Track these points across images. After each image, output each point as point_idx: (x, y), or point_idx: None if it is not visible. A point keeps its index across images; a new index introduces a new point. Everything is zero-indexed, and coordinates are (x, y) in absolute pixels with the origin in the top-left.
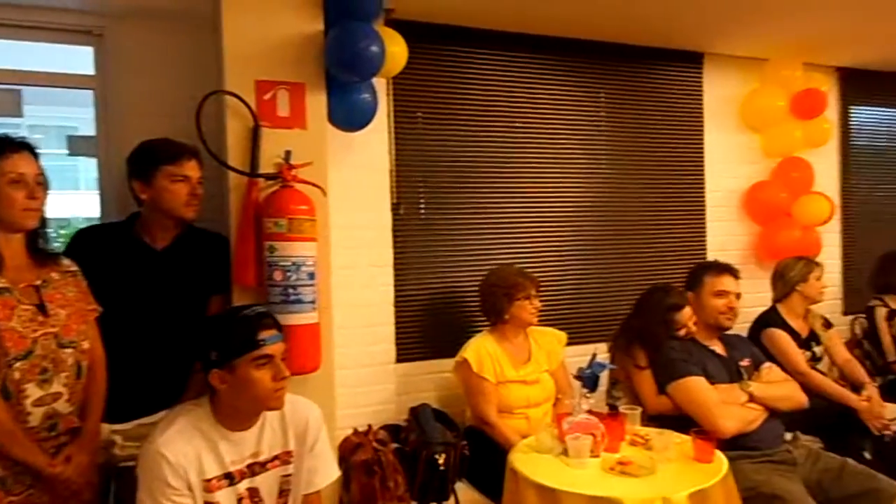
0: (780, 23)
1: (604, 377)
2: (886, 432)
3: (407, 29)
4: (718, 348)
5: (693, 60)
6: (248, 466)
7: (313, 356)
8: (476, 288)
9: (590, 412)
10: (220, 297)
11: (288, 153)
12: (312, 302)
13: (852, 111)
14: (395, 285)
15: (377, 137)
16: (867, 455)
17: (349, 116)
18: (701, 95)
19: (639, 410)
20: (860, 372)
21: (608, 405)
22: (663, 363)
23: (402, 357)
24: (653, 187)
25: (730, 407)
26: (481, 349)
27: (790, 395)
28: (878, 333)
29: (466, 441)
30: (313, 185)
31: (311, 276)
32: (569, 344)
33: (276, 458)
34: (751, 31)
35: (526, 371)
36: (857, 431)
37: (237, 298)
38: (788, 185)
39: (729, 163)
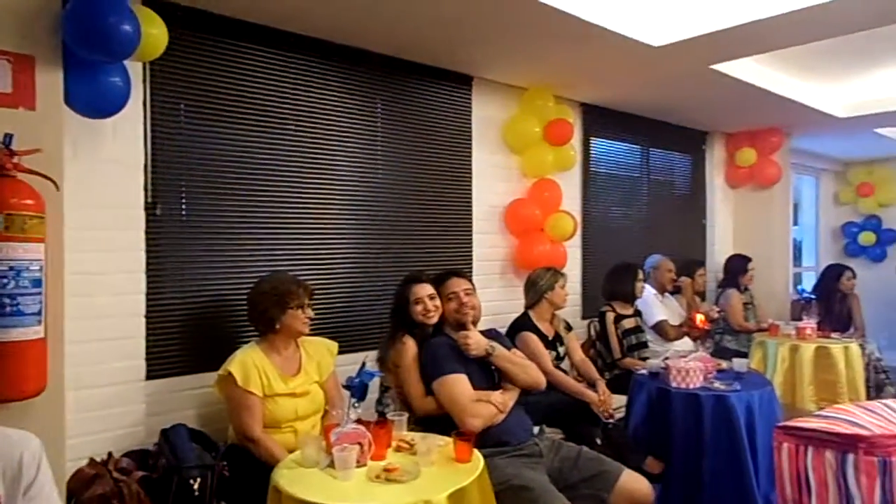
0: (534, 58)
1: (374, 385)
2: (610, 420)
3: (170, 12)
4: None
5: (463, 82)
6: None
7: (37, 377)
8: (244, 296)
9: (358, 421)
10: None
11: (8, 136)
12: (37, 314)
13: (592, 141)
14: (148, 294)
15: (130, 128)
16: (598, 441)
17: (93, 101)
18: (470, 116)
19: (405, 416)
20: (592, 370)
21: (377, 412)
22: (429, 361)
23: (154, 373)
24: (424, 199)
25: (478, 405)
26: (247, 361)
27: (529, 368)
28: (608, 335)
29: (227, 461)
30: (43, 176)
31: (38, 283)
32: (341, 353)
33: None
34: (510, 61)
35: (296, 383)
36: (590, 421)
37: None
38: (541, 204)
39: (493, 180)
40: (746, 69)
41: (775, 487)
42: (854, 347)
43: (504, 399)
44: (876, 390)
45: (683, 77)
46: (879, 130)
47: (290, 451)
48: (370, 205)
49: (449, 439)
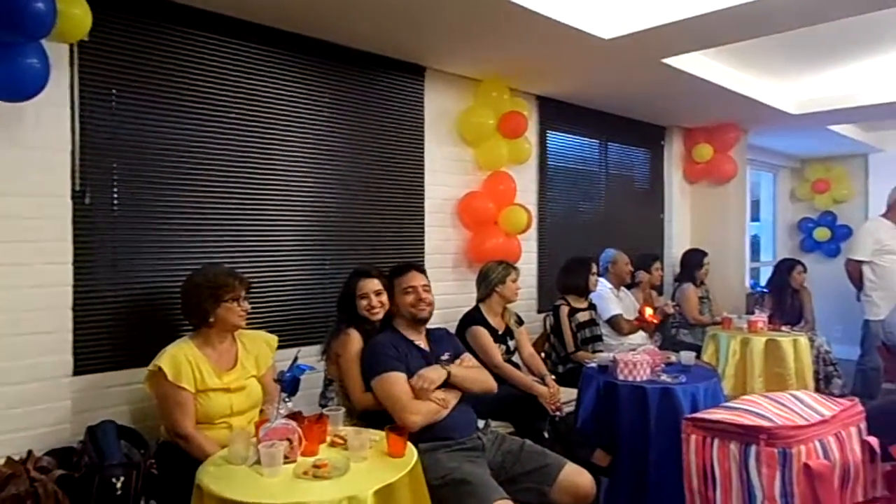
0: (487, 49)
1: (318, 379)
2: (559, 413)
3: None
4: (423, 344)
5: (416, 73)
6: None
7: None
8: (179, 289)
9: (292, 416)
10: None
11: None
12: None
13: (549, 135)
14: (76, 286)
15: (55, 113)
16: (547, 435)
17: (8, 83)
18: (422, 107)
19: (342, 411)
20: (541, 365)
21: (320, 406)
22: (369, 358)
23: (81, 368)
24: (374, 191)
25: (418, 402)
26: (179, 355)
27: (482, 378)
28: (562, 328)
29: (158, 459)
30: None
31: None
32: (284, 346)
33: None
34: (463, 53)
35: (230, 378)
36: (539, 415)
37: None
38: (495, 197)
39: (446, 172)
40: (700, 64)
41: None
42: (803, 340)
43: (446, 396)
44: (825, 382)
45: (636, 71)
46: (833, 128)
47: (224, 447)
48: (317, 196)
49: (382, 433)
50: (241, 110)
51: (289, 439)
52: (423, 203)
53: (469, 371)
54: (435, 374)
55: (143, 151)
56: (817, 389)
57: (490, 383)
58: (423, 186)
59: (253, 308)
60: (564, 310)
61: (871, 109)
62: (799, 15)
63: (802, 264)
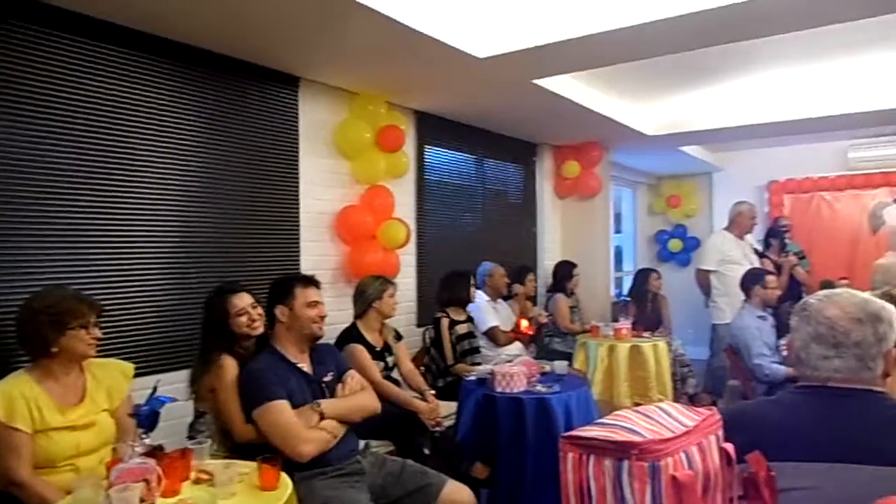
0: (362, 62)
1: (184, 408)
2: (438, 428)
3: None
4: (306, 365)
5: (290, 83)
6: None
7: None
8: (14, 315)
9: (150, 453)
10: None
11: None
12: None
13: (426, 149)
14: None
15: None
16: (426, 451)
17: None
18: (297, 118)
19: (207, 444)
20: (420, 380)
21: (189, 438)
22: (248, 386)
23: None
24: (247, 204)
25: (311, 431)
26: (13, 392)
27: (363, 404)
28: (442, 340)
29: None
30: None
31: None
32: (145, 374)
33: None
34: (339, 64)
35: (77, 414)
36: (419, 431)
37: None
38: (374, 211)
39: (322, 186)
40: (568, 86)
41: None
42: (662, 345)
43: (337, 426)
44: (681, 382)
45: (509, 90)
46: (683, 148)
47: (69, 493)
48: (183, 210)
49: (254, 465)
50: (97, 118)
51: (145, 480)
52: (298, 217)
53: (346, 402)
54: (303, 421)
55: None
56: (675, 389)
57: (373, 406)
58: (297, 200)
59: (106, 332)
60: (445, 322)
61: (714, 133)
62: (657, 45)
63: (657, 271)
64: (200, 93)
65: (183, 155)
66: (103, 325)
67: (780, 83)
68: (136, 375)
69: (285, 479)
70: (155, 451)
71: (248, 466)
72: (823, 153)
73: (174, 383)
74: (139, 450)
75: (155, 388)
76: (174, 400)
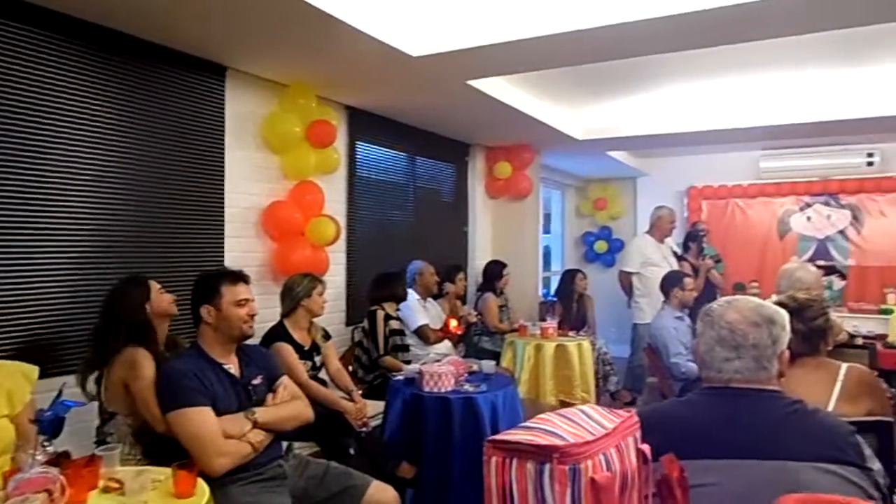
0: (293, 54)
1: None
2: (365, 429)
3: None
4: (233, 367)
5: (216, 72)
6: None
7: None
8: None
9: (54, 461)
10: None
11: None
12: None
13: (358, 145)
14: None
15: None
16: (352, 451)
17: None
18: (223, 109)
19: (117, 450)
20: (347, 380)
21: (97, 443)
22: (165, 387)
23: None
24: (167, 197)
25: (227, 443)
26: None
27: (297, 414)
28: (377, 331)
29: None
30: None
31: None
32: (46, 377)
33: None
34: (268, 55)
35: None
36: (345, 432)
37: None
38: (302, 207)
39: (249, 180)
40: (501, 89)
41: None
42: (586, 344)
43: (261, 438)
44: (604, 380)
45: (442, 90)
46: (609, 153)
47: None
48: (97, 201)
49: (168, 471)
50: (3, 99)
51: (47, 490)
52: (222, 211)
53: (281, 412)
54: (236, 428)
55: None
56: (597, 387)
57: (306, 414)
58: (222, 194)
59: (7, 331)
60: (381, 314)
61: (638, 140)
62: (588, 53)
63: (582, 272)
64: (119, 79)
65: (98, 143)
66: (3, 322)
67: (700, 95)
68: (41, 377)
69: (202, 485)
70: (60, 459)
71: (162, 473)
72: (738, 162)
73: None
74: (41, 458)
75: (60, 392)
76: (81, 404)
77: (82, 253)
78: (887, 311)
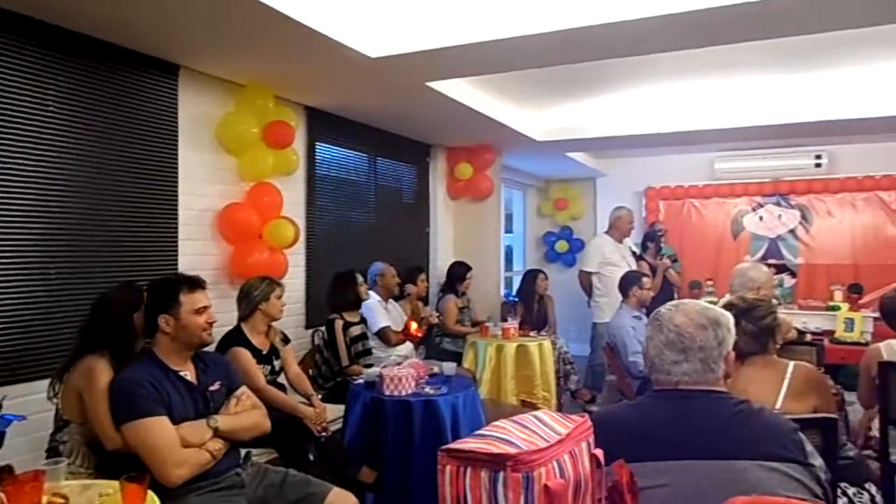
0: (249, 54)
1: (44, 421)
2: (325, 433)
3: None
4: (189, 373)
5: (168, 71)
6: None
7: None
8: None
9: None
10: None
11: None
12: None
13: (317, 146)
14: None
15: None
16: (312, 457)
17: None
18: (176, 109)
19: (63, 464)
20: (307, 384)
21: (48, 451)
22: (119, 397)
23: None
24: (118, 199)
25: (183, 452)
26: None
27: (257, 424)
28: (336, 343)
29: None
30: None
31: None
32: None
33: None
34: (223, 54)
35: None
36: (304, 437)
37: None
38: (260, 209)
39: (204, 182)
40: (460, 90)
41: None
42: (546, 344)
43: (220, 447)
44: (564, 379)
45: (402, 91)
46: (569, 154)
47: None
48: (44, 204)
49: (116, 484)
50: None
51: None
52: (176, 214)
53: (241, 420)
54: (196, 436)
55: None
56: (558, 386)
57: (265, 425)
58: (176, 195)
59: None
60: (339, 324)
61: (597, 141)
62: (546, 56)
63: (544, 272)
64: (67, 78)
65: (45, 144)
66: None
67: (656, 98)
68: None
69: (153, 497)
70: (2, 474)
71: (111, 487)
72: (693, 163)
73: (27, 395)
74: None
75: (0, 405)
76: (22, 418)
77: (25, 259)
78: (835, 308)
